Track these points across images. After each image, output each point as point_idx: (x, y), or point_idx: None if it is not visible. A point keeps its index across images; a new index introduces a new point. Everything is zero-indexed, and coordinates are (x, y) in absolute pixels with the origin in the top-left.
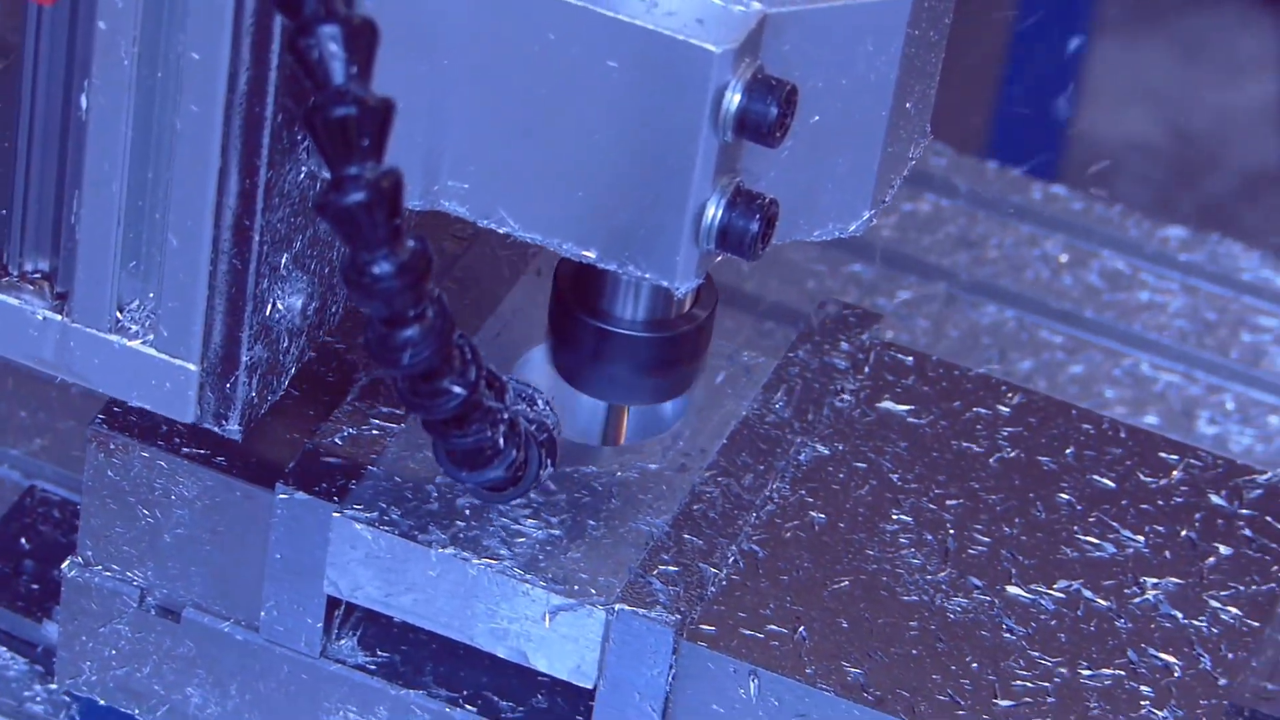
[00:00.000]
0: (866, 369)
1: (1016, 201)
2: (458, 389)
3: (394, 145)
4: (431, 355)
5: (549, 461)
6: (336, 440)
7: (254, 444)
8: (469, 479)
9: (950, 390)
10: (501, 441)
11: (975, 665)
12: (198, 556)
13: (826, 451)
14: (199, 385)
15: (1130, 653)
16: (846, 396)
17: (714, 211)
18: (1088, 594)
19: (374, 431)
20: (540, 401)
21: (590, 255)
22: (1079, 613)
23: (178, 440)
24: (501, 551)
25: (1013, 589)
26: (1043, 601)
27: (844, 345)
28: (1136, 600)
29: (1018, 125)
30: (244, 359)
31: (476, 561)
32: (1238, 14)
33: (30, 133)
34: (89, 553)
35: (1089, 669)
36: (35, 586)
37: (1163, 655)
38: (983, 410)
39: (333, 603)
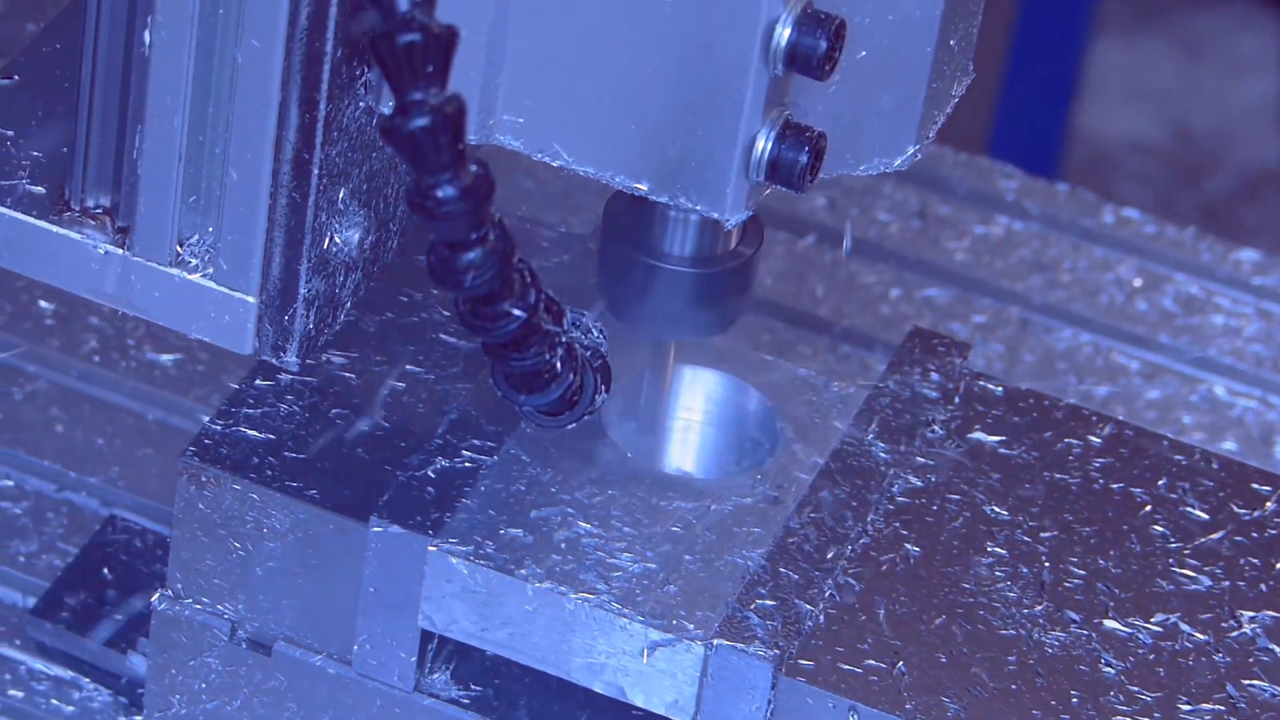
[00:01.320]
0: (956, 399)
1: (1088, 225)
2: (518, 311)
3: (453, 82)
4: (493, 278)
5: (603, 387)
6: (430, 473)
7: (347, 477)
8: (526, 402)
9: (1041, 421)
10: (559, 365)
11: (1075, 700)
12: (290, 589)
13: (919, 483)
14: (257, 317)
15: (1229, 687)
16: (938, 428)
17: (764, 144)
18: (1185, 627)
19: (466, 464)
20: (594, 329)
21: (642, 188)
22: (1177, 646)
23: (270, 473)
24: (598, 586)
25: (1110, 622)
26: (1140, 635)
27: (934, 375)
28: (1234, 634)
29: (1019, 125)
30: (302, 291)
31: (574, 596)
32: (1239, 14)
33: (94, 68)
34: (179, 585)
35: (1188, 704)
36: (119, 617)
37: (1262, 689)
38: (1074, 441)
39: (426, 636)
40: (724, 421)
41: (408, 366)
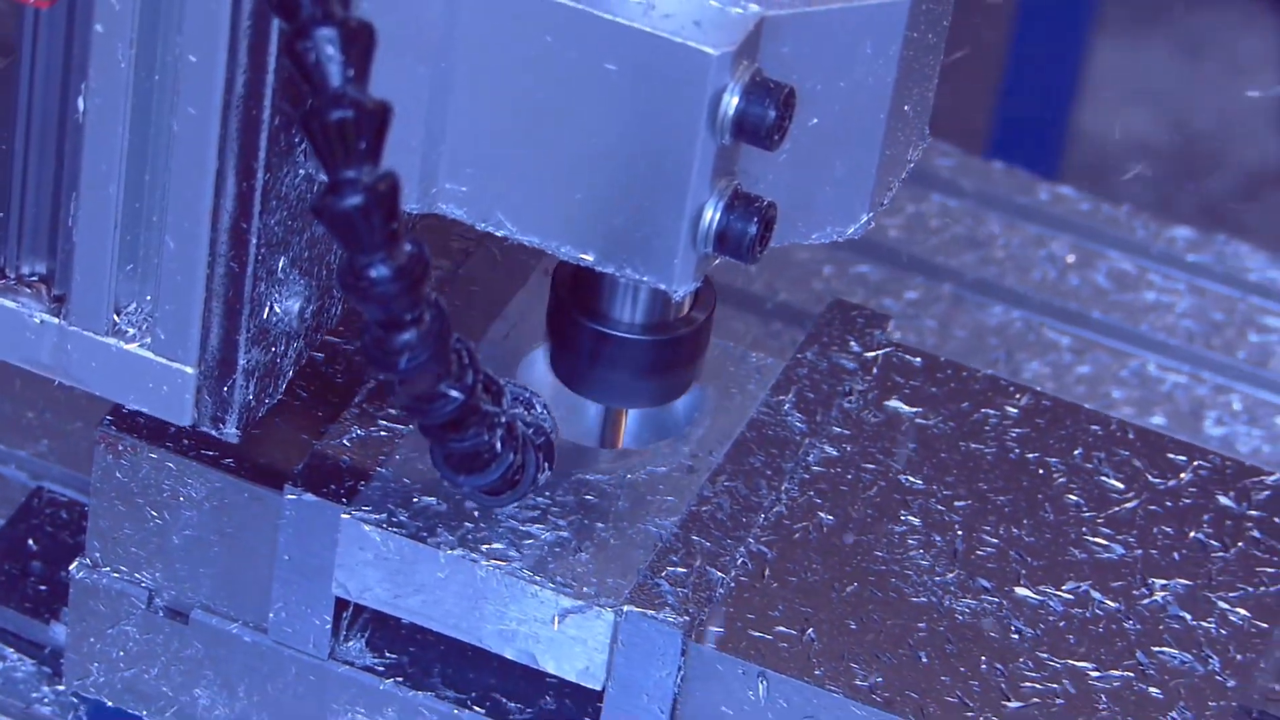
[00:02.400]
0: (875, 370)
1: (1023, 202)
2: (455, 393)
3: (391, 148)
4: (429, 359)
5: (546, 465)
6: (345, 442)
7: (262, 445)
8: (466, 483)
9: (959, 391)
10: (499, 445)
11: (984, 667)
12: (206, 558)
13: (835, 453)
14: (196, 388)
15: (1139, 654)
16: (855, 398)
17: (712, 214)
18: (1096, 595)
19: (382, 433)
20: (538, 405)
21: (588, 258)
22: (1088, 614)
23: (186, 442)
24: (510, 553)
25: (1021, 590)
26: (1051, 603)
27: (853, 346)
28: (1145, 601)
29: (1019, 125)
30: (241, 362)
31: (485, 563)
32: (1239, 14)
33: (27, 135)
34: (97, 554)
35: (1098, 670)
36: (43, 588)
37: (1172, 656)
38: (991, 411)
39: (341, 604)
40: None
41: (326, 336)
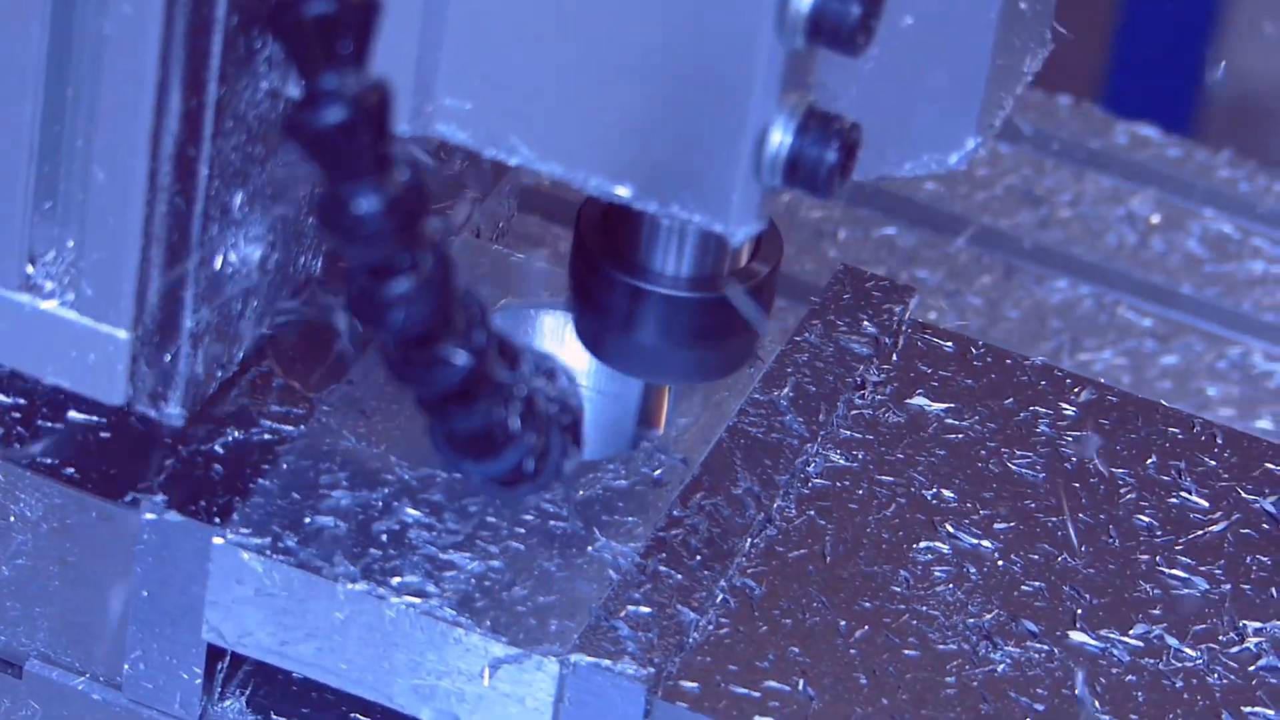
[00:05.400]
0: (894, 356)
1: (1094, 146)
2: (461, 358)
3: (379, 53)
4: (428, 314)
5: (574, 448)
6: (218, 447)
7: (114, 451)
8: (474, 470)
9: (1001, 384)
10: (516, 423)
11: None
12: (43, 594)
13: (842, 462)
14: (131, 358)
15: (1226, 715)
16: (868, 392)
17: (780, 137)
18: (1173, 642)
19: (265, 435)
20: (563, 376)
21: (624, 192)
22: (1161, 666)
23: (17, 445)
24: (428, 588)
25: (1078, 635)
26: (1115, 651)
27: (866, 326)
28: (1234, 650)
29: (1142, 65)
30: (187, 324)
31: (395, 600)
32: None
33: None
34: None
35: None
36: None
37: (1267, 718)
38: (1041, 409)
39: (215, 653)
40: (592, 384)
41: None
